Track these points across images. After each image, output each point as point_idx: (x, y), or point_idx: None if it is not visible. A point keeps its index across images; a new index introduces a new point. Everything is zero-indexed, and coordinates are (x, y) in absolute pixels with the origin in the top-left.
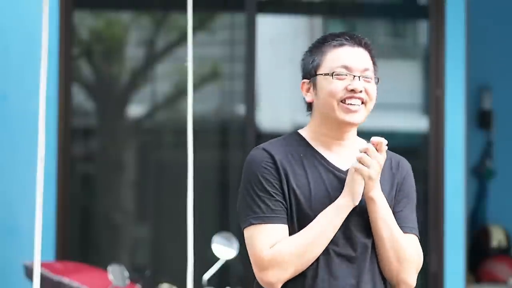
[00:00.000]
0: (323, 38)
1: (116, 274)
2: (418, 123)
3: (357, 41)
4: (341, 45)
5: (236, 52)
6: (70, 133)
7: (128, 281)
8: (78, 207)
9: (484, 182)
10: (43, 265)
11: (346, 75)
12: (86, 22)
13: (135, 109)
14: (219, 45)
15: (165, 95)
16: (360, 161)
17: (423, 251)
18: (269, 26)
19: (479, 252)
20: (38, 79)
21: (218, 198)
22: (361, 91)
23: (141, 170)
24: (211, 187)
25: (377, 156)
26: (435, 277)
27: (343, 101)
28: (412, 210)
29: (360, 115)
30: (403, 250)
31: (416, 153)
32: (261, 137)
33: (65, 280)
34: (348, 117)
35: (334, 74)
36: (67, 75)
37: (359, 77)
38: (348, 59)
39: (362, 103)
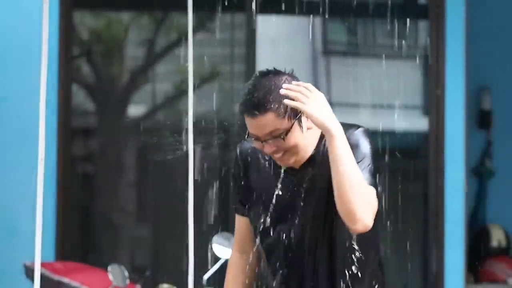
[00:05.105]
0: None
1: (116, 274)
2: (418, 123)
3: (252, 111)
4: (243, 113)
5: (236, 52)
6: (70, 133)
7: (128, 281)
8: (78, 207)
9: (484, 182)
10: (43, 265)
11: (258, 139)
12: (86, 22)
13: (135, 109)
14: (219, 45)
15: (165, 95)
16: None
17: (423, 251)
18: (269, 26)
19: (479, 252)
20: (38, 79)
21: (218, 198)
22: (275, 151)
23: (141, 170)
24: (211, 187)
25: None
26: (435, 277)
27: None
28: (365, 170)
29: (291, 159)
30: (360, 187)
31: (416, 153)
32: None
33: (65, 280)
34: (284, 166)
35: (251, 138)
36: (67, 75)
37: (266, 140)
38: (251, 129)
39: (286, 151)
